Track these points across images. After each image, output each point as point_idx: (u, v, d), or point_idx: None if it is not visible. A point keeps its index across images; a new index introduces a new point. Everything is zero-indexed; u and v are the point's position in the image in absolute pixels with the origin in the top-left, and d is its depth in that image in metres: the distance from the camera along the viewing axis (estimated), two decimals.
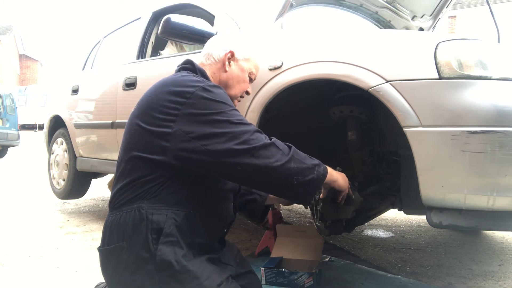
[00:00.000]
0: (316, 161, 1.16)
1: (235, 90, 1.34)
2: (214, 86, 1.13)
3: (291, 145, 1.14)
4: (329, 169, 1.20)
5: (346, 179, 1.30)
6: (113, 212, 1.12)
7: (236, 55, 1.32)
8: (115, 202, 1.13)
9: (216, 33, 1.97)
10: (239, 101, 1.40)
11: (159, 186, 1.08)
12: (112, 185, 1.19)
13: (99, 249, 1.15)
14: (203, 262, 1.10)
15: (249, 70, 1.36)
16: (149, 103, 1.12)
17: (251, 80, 1.39)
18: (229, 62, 1.31)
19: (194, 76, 1.18)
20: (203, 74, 1.25)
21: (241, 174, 1.07)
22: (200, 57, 1.35)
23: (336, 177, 1.25)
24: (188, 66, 1.25)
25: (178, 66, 1.28)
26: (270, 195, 1.51)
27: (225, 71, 1.31)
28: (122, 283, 1.08)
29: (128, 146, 1.13)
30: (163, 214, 1.06)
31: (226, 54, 1.31)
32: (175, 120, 1.05)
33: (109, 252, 1.10)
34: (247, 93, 1.38)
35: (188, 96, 1.07)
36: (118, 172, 1.16)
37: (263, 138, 1.09)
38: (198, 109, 1.06)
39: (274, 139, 1.12)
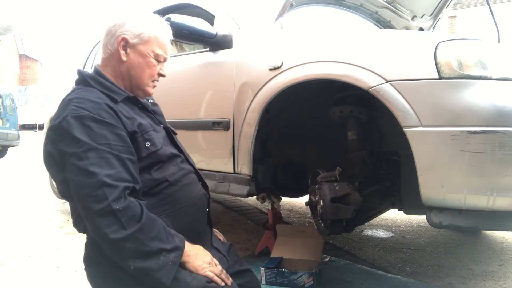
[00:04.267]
0: (168, 245, 0.96)
1: (142, 79, 1.19)
2: (83, 117, 0.99)
3: (151, 216, 0.98)
4: (185, 251, 1.01)
5: (205, 257, 1.07)
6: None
7: (131, 41, 1.15)
8: None
9: (216, 33, 1.97)
10: (154, 86, 1.24)
11: None
12: None
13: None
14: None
15: (153, 53, 1.18)
16: None
17: (161, 61, 1.22)
18: (125, 51, 1.16)
19: (78, 93, 1.07)
20: (98, 80, 1.13)
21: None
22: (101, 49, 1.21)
23: (189, 259, 1.02)
24: (79, 79, 1.16)
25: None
26: None
27: (123, 62, 1.16)
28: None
29: None
30: None
31: (119, 43, 1.15)
32: None
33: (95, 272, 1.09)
34: (161, 75, 1.23)
35: (56, 126, 1.01)
36: None
37: (106, 198, 0.91)
38: (60, 140, 1.00)
39: (127, 202, 0.94)
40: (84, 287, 1.82)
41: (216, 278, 1.04)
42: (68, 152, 0.97)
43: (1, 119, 8.64)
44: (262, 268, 1.76)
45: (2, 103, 8.79)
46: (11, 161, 8.43)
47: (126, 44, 1.15)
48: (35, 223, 3.09)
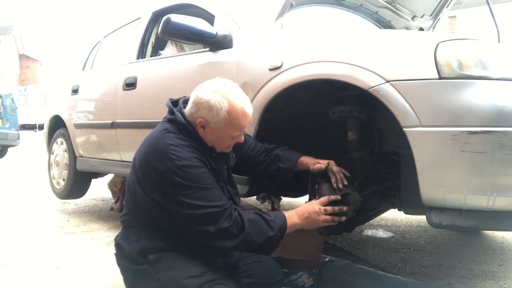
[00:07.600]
0: (271, 232, 1.22)
1: (218, 147, 1.31)
2: (185, 166, 1.16)
3: (250, 219, 1.21)
4: (289, 222, 1.28)
5: (314, 219, 1.34)
6: None
7: (210, 125, 1.24)
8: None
9: (216, 33, 1.96)
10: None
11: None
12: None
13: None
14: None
15: (229, 136, 1.28)
16: (136, 168, 1.25)
17: (238, 137, 1.31)
18: (203, 128, 1.26)
19: (173, 140, 1.20)
20: (187, 130, 1.24)
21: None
22: (188, 104, 1.29)
23: (296, 224, 1.30)
24: (172, 119, 1.26)
25: (164, 118, 1.31)
26: (302, 160, 1.55)
27: (201, 131, 1.27)
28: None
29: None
30: None
31: (198, 122, 1.24)
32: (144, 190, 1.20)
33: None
34: (238, 142, 1.35)
35: (159, 173, 1.16)
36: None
37: (218, 221, 1.16)
38: (167, 185, 1.16)
39: (233, 219, 1.18)
40: (84, 287, 1.83)
41: (332, 219, 1.34)
42: (178, 193, 1.15)
43: (1, 119, 8.64)
44: None
45: (2, 103, 8.79)
46: (11, 161, 8.44)
47: (204, 125, 1.25)
48: (35, 223, 3.09)
